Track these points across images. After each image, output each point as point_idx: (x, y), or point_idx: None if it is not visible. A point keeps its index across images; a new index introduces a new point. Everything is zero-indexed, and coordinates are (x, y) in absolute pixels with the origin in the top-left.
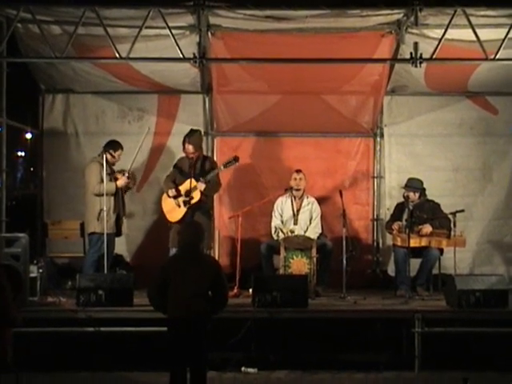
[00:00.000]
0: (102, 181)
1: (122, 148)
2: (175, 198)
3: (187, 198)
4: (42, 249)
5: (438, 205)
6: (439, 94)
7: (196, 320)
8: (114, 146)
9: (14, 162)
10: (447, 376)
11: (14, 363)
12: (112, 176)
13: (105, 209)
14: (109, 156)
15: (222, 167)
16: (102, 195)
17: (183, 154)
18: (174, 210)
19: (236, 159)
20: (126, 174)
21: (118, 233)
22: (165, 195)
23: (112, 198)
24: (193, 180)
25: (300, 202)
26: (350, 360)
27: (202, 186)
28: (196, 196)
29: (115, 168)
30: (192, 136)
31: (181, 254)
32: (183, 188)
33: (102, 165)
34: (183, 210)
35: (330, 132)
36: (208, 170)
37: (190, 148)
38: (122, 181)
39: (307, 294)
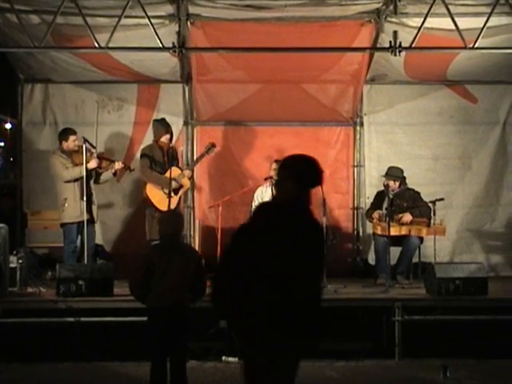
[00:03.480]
0: (66, 168)
1: (73, 133)
2: (162, 188)
3: (177, 187)
4: (22, 239)
5: (419, 193)
6: (419, 82)
7: (179, 309)
8: (63, 134)
9: None
10: (427, 364)
11: None
12: (75, 161)
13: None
14: (65, 144)
15: (205, 153)
16: (74, 180)
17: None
18: (164, 199)
19: (213, 145)
20: (95, 155)
21: (92, 219)
22: (150, 185)
23: (76, 185)
24: (176, 168)
25: None
26: (331, 348)
27: (189, 173)
28: (186, 183)
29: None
30: (169, 126)
31: (164, 244)
32: (171, 176)
33: (61, 155)
34: (175, 198)
35: (310, 121)
36: (176, 158)
37: (168, 138)
38: (92, 162)
39: None
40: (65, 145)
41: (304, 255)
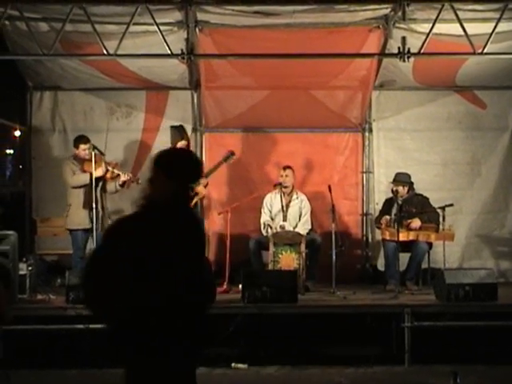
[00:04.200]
0: (73, 174)
1: (84, 142)
2: None
3: (192, 194)
4: (31, 246)
5: (427, 199)
6: (427, 88)
7: None
8: (76, 141)
9: (3, 159)
10: (437, 370)
11: (4, 360)
12: (84, 168)
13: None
14: (76, 151)
15: (222, 161)
16: (80, 186)
17: None
18: None
19: (233, 153)
20: (103, 163)
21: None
22: None
23: (81, 192)
24: None
25: (289, 197)
26: (340, 355)
27: (205, 181)
28: (201, 191)
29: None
30: (185, 132)
31: None
32: None
33: (73, 161)
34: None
35: (319, 127)
36: None
37: (184, 145)
38: (99, 171)
39: (297, 289)
40: (76, 152)
41: (183, 256)
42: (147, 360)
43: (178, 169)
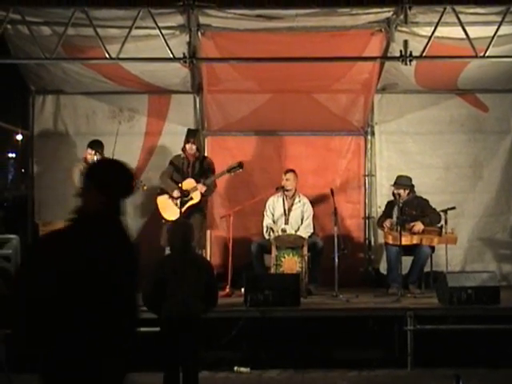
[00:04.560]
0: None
1: (90, 146)
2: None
3: (186, 198)
4: None
5: (427, 201)
6: (429, 91)
7: (192, 320)
8: (88, 145)
9: (5, 163)
10: (439, 373)
11: (6, 364)
12: None
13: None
14: (85, 155)
15: (226, 171)
16: None
17: (175, 153)
18: (170, 208)
19: (241, 165)
20: None
21: None
22: (159, 192)
23: None
24: (192, 180)
25: (291, 201)
26: (343, 358)
27: (202, 188)
28: (196, 197)
29: None
30: (196, 136)
31: (175, 254)
32: (182, 187)
33: (83, 164)
34: (174, 207)
35: (321, 130)
36: (206, 171)
37: (193, 148)
38: None
39: (299, 292)
40: (85, 155)
41: (113, 270)
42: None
43: (108, 181)
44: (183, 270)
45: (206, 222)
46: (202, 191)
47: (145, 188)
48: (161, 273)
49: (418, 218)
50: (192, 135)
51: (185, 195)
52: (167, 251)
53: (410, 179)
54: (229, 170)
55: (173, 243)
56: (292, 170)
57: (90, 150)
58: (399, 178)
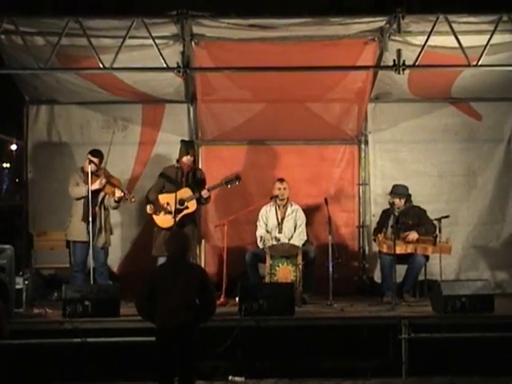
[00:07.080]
0: (77, 185)
1: (87, 154)
2: (167, 204)
3: (181, 207)
4: (28, 260)
5: (424, 211)
6: (423, 100)
7: (185, 330)
8: (92, 152)
9: (0, 173)
10: (434, 381)
11: (1, 375)
12: (88, 180)
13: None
14: (87, 162)
15: (223, 183)
16: (77, 198)
17: (170, 162)
18: (164, 217)
19: (238, 178)
20: (102, 178)
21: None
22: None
23: (80, 205)
24: (188, 189)
25: (284, 210)
26: (338, 367)
27: (207, 193)
28: (191, 207)
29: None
30: (192, 148)
31: (168, 264)
32: (178, 196)
33: (80, 173)
34: (168, 216)
35: (315, 139)
36: (199, 182)
37: (190, 160)
38: (95, 184)
39: (294, 301)
40: (86, 163)
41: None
42: None
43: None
44: (174, 280)
45: (198, 232)
46: (205, 196)
47: (133, 200)
48: (152, 283)
49: (413, 228)
50: (191, 147)
51: (180, 204)
52: (160, 261)
53: (406, 188)
54: (226, 183)
55: (171, 252)
56: (284, 179)
57: (86, 159)
58: (395, 187)
